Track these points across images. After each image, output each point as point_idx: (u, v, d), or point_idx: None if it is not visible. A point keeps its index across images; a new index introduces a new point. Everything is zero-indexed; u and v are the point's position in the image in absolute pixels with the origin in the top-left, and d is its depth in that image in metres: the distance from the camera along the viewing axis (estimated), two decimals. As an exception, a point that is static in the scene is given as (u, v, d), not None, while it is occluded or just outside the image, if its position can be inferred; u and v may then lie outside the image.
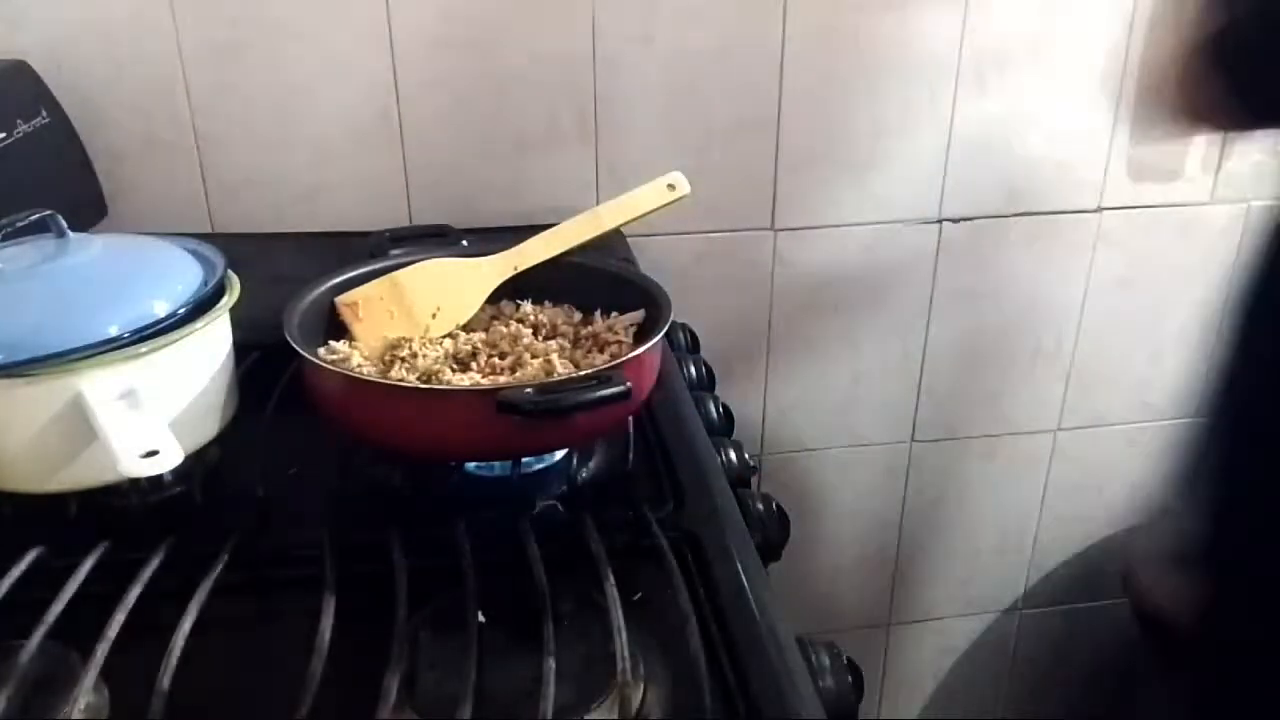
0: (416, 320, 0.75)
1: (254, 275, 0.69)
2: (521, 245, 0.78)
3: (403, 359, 0.70)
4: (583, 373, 0.61)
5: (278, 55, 0.99)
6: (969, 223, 1.20)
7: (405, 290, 0.75)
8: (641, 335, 0.73)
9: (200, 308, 0.63)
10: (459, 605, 0.54)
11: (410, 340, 0.72)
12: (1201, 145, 1.22)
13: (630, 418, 0.70)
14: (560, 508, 0.66)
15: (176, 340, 0.60)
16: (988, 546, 1.44)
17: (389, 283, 0.75)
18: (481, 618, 0.53)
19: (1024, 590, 1.49)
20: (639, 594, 0.57)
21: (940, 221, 1.20)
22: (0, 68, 0.90)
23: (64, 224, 0.64)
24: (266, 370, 0.74)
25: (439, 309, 0.76)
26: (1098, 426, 1.37)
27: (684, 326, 1.01)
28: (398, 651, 0.50)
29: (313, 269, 0.76)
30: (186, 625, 0.51)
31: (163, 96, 0.99)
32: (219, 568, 0.57)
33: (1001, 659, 1.54)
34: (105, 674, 0.49)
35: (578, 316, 0.78)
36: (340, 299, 0.74)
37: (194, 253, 0.68)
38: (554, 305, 0.79)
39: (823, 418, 1.29)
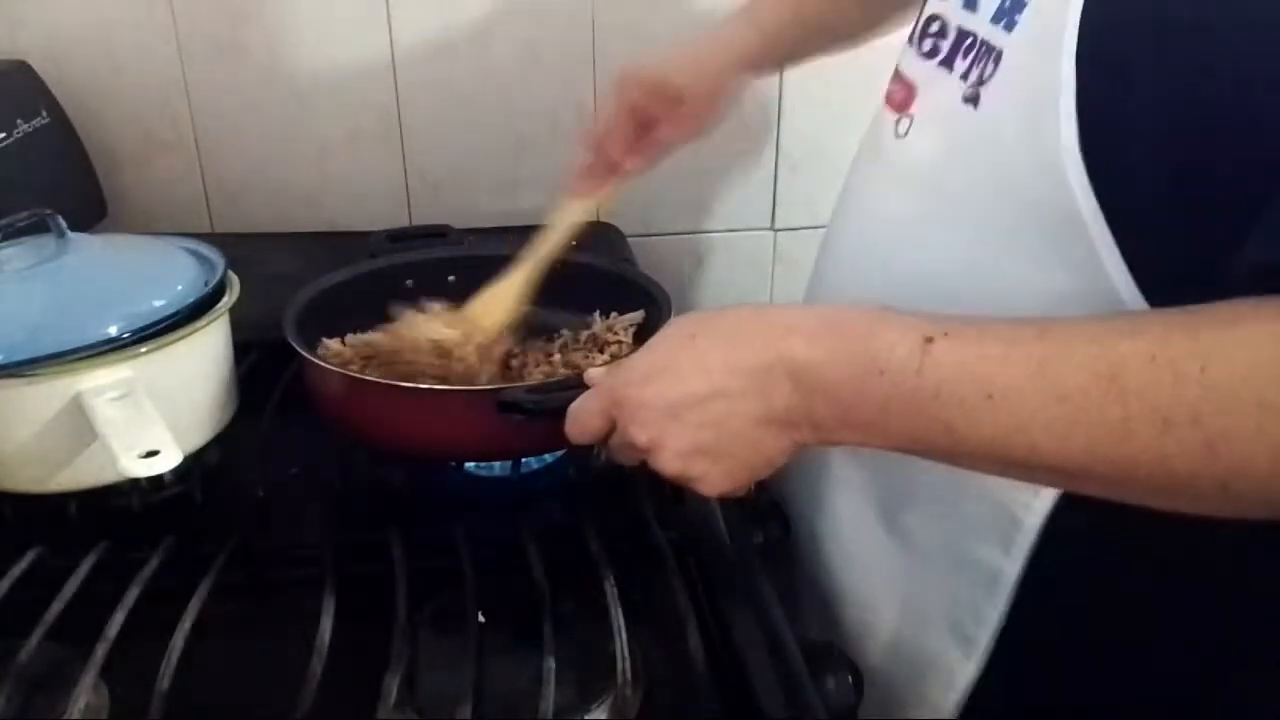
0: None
1: (254, 275, 0.69)
2: (534, 245, 0.73)
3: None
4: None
5: (278, 55, 0.99)
6: (969, 223, 1.20)
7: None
8: (641, 335, 0.73)
9: (200, 308, 0.63)
10: (459, 605, 0.54)
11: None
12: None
13: (630, 418, 0.70)
14: (560, 508, 0.66)
15: (176, 340, 0.60)
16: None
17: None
18: (481, 618, 0.53)
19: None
20: (639, 594, 0.57)
21: (940, 221, 1.20)
22: (0, 68, 0.90)
23: (64, 224, 0.64)
24: (266, 370, 0.74)
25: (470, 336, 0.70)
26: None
27: (682, 323, 1.01)
28: (398, 651, 0.50)
29: (313, 269, 0.76)
30: (186, 625, 0.51)
31: (163, 97, 0.99)
32: (219, 568, 0.57)
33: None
34: (105, 674, 0.49)
35: (578, 317, 0.78)
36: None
37: (194, 253, 0.68)
38: (554, 305, 0.79)
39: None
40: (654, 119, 0.73)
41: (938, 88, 0.55)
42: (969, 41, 0.53)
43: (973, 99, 0.50)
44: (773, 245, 1.17)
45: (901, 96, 0.59)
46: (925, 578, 0.58)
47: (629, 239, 1.02)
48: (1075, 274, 0.45)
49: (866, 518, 0.61)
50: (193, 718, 0.49)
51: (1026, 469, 0.42)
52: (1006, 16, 0.49)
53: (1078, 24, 0.43)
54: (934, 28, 0.57)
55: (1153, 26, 0.42)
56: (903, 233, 0.57)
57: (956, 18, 0.55)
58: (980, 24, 0.52)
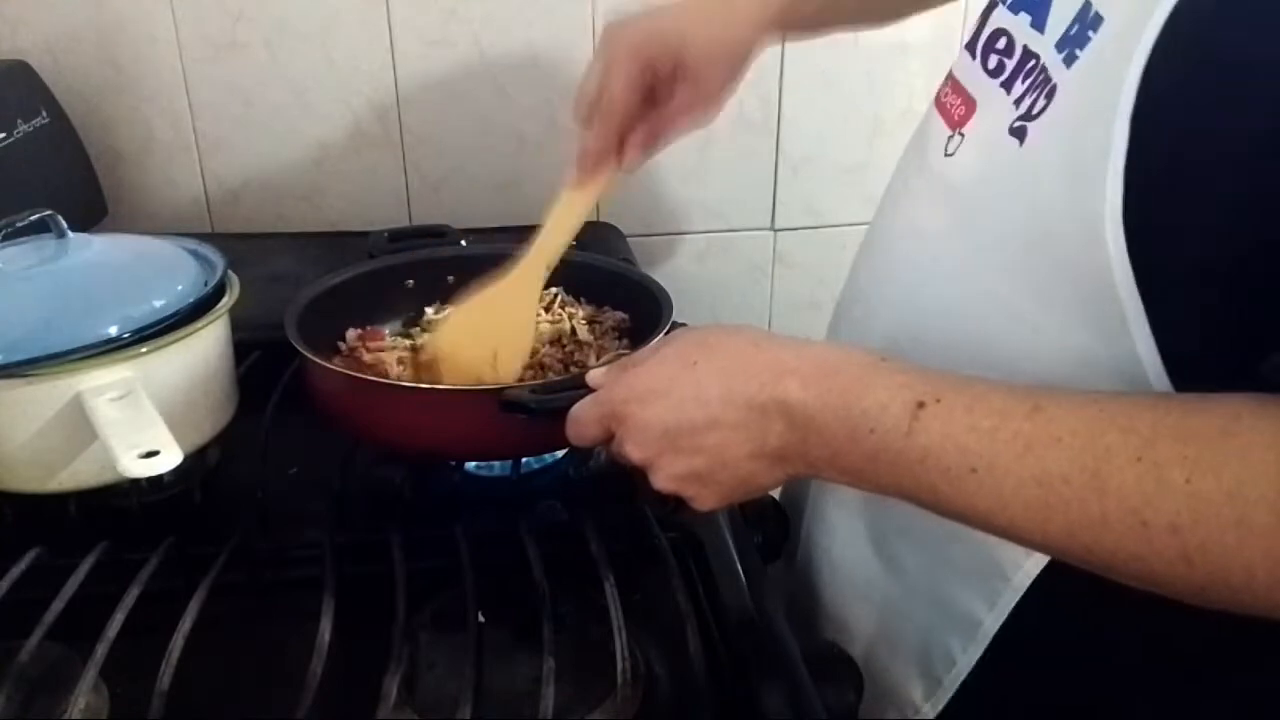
0: (476, 370, 0.69)
1: (254, 275, 0.69)
2: (535, 242, 0.69)
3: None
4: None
5: (278, 55, 0.99)
6: (969, 223, 1.20)
7: (446, 352, 0.69)
8: (642, 335, 0.73)
9: (200, 308, 0.63)
10: (459, 605, 0.54)
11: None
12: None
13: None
14: (560, 508, 0.66)
15: (176, 340, 0.60)
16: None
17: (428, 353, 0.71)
18: (481, 618, 0.53)
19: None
20: (639, 594, 0.57)
21: (940, 221, 1.20)
22: (0, 68, 0.90)
23: (64, 224, 0.64)
24: (266, 370, 0.74)
25: (496, 352, 0.68)
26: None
27: (684, 327, 1.01)
28: (398, 651, 0.50)
29: (313, 269, 0.76)
30: (186, 625, 0.51)
31: (163, 96, 0.99)
32: (218, 568, 0.57)
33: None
34: (105, 674, 0.49)
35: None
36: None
37: (194, 253, 0.68)
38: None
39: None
40: (661, 96, 0.66)
41: (994, 110, 0.51)
42: (1031, 64, 0.49)
43: (1019, 134, 0.47)
44: (773, 245, 1.17)
45: (960, 113, 0.55)
46: (905, 609, 0.58)
47: (629, 239, 1.02)
48: (1102, 338, 0.44)
49: (859, 536, 0.61)
50: (193, 718, 0.49)
51: (1009, 539, 0.42)
52: (1069, 47, 0.45)
53: (1138, 82, 0.39)
54: (1000, 43, 0.53)
55: (1218, 104, 0.39)
56: (940, 259, 0.54)
57: (1023, 36, 0.50)
58: (1045, 47, 0.48)
